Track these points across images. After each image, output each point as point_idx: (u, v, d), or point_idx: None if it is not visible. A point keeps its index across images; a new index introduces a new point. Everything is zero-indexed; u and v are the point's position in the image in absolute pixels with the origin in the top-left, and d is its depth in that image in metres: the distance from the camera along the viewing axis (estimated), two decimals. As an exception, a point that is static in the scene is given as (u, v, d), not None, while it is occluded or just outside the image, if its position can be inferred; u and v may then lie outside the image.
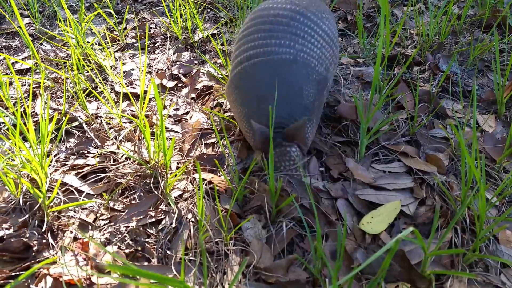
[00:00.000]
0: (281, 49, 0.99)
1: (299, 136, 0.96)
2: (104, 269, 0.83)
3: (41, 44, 1.73)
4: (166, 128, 1.24)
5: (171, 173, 1.06)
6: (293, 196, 0.85)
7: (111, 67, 1.54)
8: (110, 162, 1.11)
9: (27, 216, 0.93)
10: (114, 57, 1.63)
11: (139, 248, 0.88)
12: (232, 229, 0.89)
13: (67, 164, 1.10)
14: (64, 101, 1.26)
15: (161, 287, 0.74)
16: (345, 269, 0.82)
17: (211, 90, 1.39)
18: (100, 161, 1.11)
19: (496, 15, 1.63)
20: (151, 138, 1.17)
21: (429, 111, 1.24)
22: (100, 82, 1.45)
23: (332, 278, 0.61)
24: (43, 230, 0.91)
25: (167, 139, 1.18)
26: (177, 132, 1.23)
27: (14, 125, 1.23)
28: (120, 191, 1.03)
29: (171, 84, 1.47)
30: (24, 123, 1.23)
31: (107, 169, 1.08)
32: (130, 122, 1.27)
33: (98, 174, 1.06)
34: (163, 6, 2.07)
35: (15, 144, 0.98)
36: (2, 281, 0.79)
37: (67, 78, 1.47)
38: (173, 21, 1.73)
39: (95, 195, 1.02)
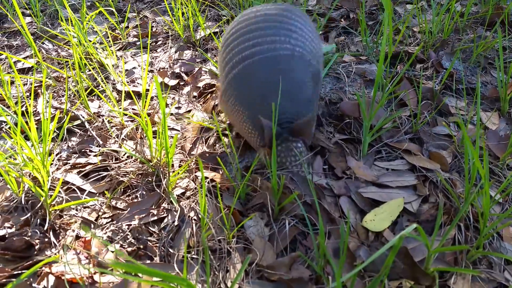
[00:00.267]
0: (278, 46, 0.98)
1: (307, 131, 0.96)
2: (107, 267, 0.82)
3: (43, 43, 1.73)
4: (168, 126, 1.24)
5: (173, 171, 1.06)
6: (295, 193, 0.84)
7: (113, 65, 1.54)
8: (112, 161, 1.10)
9: (29, 214, 0.93)
10: (116, 55, 1.63)
11: (141, 246, 0.87)
12: (235, 227, 0.89)
13: (69, 163, 1.10)
14: (66, 100, 1.26)
15: (163, 285, 0.74)
16: (348, 266, 0.82)
17: (213, 89, 1.39)
18: (102, 159, 1.11)
19: (499, 12, 1.62)
20: (153, 137, 1.16)
21: (432, 109, 1.24)
22: (102, 81, 1.45)
23: (336, 276, 0.60)
24: (45, 228, 0.91)
25: (169, 137, 1.18)
26: (179, 131, 1.22)
27: (16, 124, 1.23)
28: (122, 190, 1.03)
29: (173, 82, 1.46)
30: (26, 122, 1.23)
31: (109, 168, 1.08)
32: (132, 121, 1.27)
33: (100, 173, 1.06)
34: (164, 4, 2.07)
35: (17, 143, 0.98)
36: (4, 280, 0.79)
37: (69, 77, 1.47)
38: (175, 19, 1.73)
39: (97, 194, 1.02)
